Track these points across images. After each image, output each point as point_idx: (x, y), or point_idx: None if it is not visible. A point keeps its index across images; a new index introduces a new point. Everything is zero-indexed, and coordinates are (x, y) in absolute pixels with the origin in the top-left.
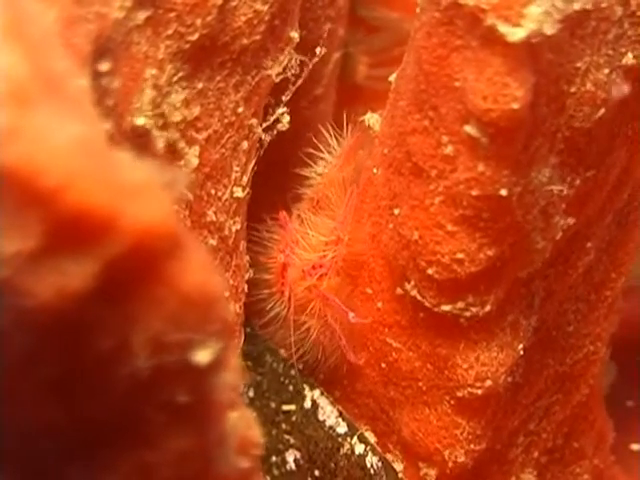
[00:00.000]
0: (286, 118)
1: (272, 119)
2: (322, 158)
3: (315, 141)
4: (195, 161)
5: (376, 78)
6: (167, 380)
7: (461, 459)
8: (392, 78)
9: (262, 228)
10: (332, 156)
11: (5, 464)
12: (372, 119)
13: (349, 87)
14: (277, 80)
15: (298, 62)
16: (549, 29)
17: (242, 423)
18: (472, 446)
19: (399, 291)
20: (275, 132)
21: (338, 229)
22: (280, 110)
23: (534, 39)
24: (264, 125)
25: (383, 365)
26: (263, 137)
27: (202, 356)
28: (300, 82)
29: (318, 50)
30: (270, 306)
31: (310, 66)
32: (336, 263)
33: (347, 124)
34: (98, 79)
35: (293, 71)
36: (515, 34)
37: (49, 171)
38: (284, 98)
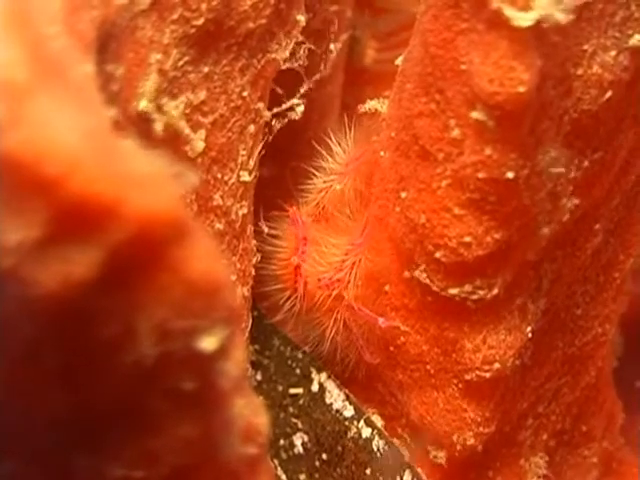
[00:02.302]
0: (300, 108)
1: (285, 106)
2: (327, 167)
3: (319, 149)
4: (201, 145)
5: (385, 61)
6: (172, 367)
7: (470, 442)
8: (399, 61)
9: (271, 225)
10: (338, 165)
11: (11, 454)
12: (370, 104)
13: (358, 71)
14: (284, 66)
15: (306, 52)
16: (559, 15)
17: (248, 410)
18: (481, 429)
19: (406, 274)
20: (286, 120)
21: (354, 252)
22: (295, 100)
23: (542, 24)
24: (275, 110)
25: (391, 348)
26: (273, 123)
27: (208, 343)
28: (319, 75)
29: (332, 46)
30: (282, 301)
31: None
32: (353, 280)
33: (350, 130)
34: (103, 65)
35: (301, 62)
36: (521, 18)
37: (52, 159)
38: (301, 90)
